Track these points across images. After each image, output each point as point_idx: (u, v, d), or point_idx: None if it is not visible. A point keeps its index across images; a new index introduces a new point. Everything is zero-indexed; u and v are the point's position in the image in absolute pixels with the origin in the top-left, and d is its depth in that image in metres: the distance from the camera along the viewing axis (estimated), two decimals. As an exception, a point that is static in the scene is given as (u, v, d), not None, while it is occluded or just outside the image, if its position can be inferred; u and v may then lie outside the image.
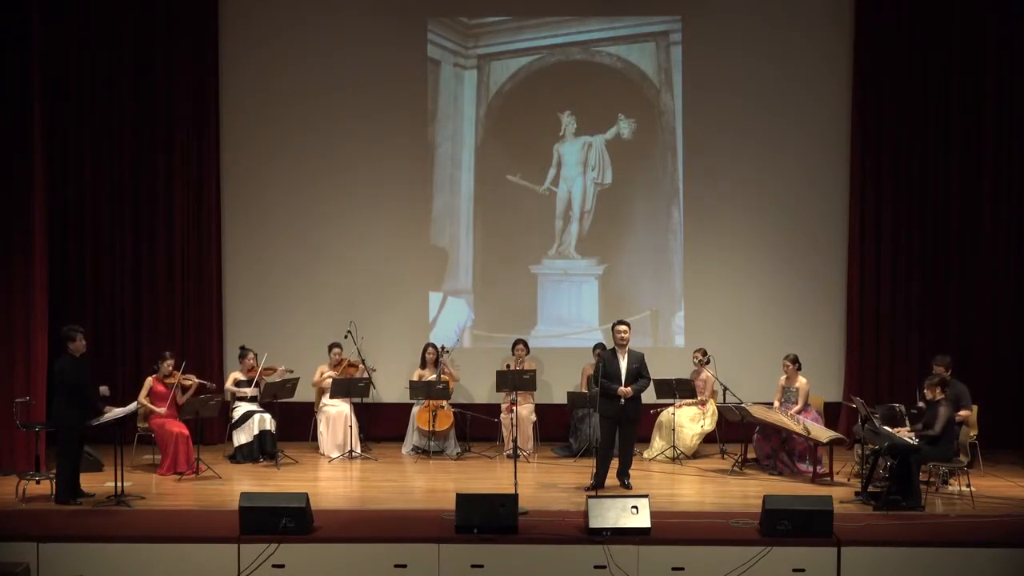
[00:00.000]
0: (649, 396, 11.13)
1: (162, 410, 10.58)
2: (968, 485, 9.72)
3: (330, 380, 11.47)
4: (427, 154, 12.54)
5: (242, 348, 11.56)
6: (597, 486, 9.54)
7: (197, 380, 10.90)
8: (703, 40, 12.37)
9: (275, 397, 11.17)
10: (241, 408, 11.27)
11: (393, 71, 12.44)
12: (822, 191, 12.40)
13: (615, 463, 9.94)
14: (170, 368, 10.76)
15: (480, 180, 12.58)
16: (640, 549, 7.98)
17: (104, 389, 9.62)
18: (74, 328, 9.43)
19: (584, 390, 11.57)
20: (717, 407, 11.38)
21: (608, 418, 9.81)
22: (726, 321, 12.42)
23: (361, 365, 11.74)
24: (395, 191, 12.51)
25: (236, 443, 11.16)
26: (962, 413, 10.07)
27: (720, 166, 12.43)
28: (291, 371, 11.51)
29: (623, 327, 9.97)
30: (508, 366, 11.71)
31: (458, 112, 12.56)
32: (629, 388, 9.75)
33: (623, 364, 9.84)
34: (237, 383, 11.37)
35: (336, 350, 11.78)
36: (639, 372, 9.86)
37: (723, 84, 12.37)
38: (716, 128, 12.40)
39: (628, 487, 9.78)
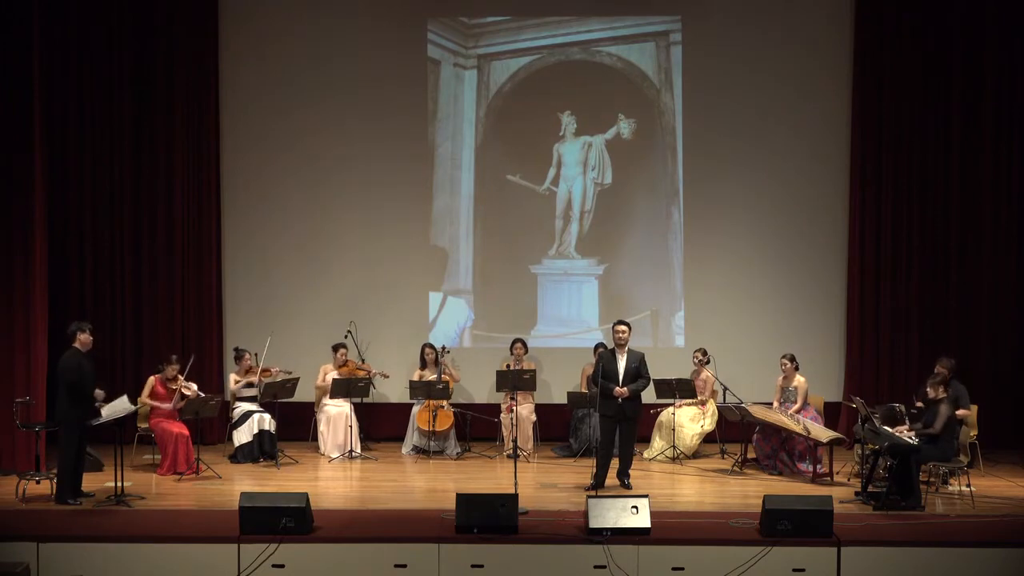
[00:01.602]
0: (649, 396, 11.14)
1: (167, 405, 10.59)
2: (968, 485, 9.72)
3: (331, 379, 11.47)
4: (427, 154, 12.54)
5: (236, 349, 11.54)
6: (597, 486, 9.54)
7: (197, 392, 10.82)
8: (703, 40, 12.37)
9: (275, 397, 11.17)
10: (241, 408, 11.27)
11: (393, 71, 12.43)
12: (822, 191, 12.39)
13: (615, 463, 9.94)
14: (174, 372, 10.73)
15: (480, 180, 12.57)
16: (640, 549, 7.98)
17: (99, 393, 9.60)
18: (84, 324, 9.44)
19: (584, 390, 11.58)
20: (717, 407, 11.38)
21: (607, 417, 9.81)
22: (726, 321, 12.42)
23: (373, 371, 11.73)
24: (395, 191, 12.51)
25: (236, 443, 11.16)
26: (960, 412, 10.08)
27: (720, 166, 12.42)
28: (289, 372, 11.50)
29: (622, 327, 9.97)
30: (508, 366, 11.71)
31: (458, 112, 12.56)
32: (625, 388, 9.74)
33: (621, 364, 9.84)
34: (238, 385, 11.36)
35: (342, 351, 11.77)
36: (638, 372, 9.84)
37: (723, 84, 12.37)
38: (716, 128, 12.40)
39: (628, 487, 9.77)
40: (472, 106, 12.53)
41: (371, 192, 12.48)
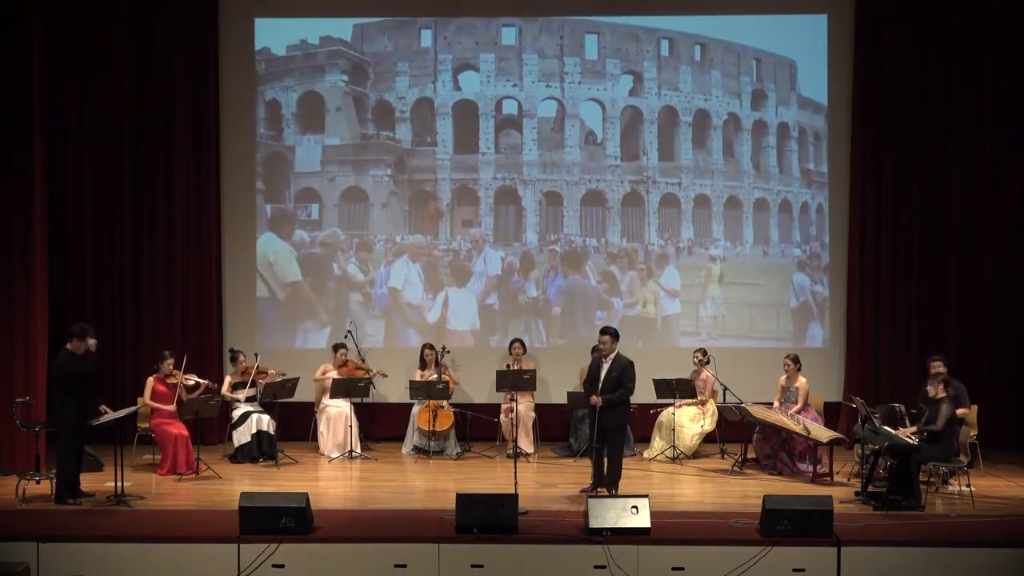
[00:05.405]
0: (649, 396, 11.16)
1: (170, 407, 10.57)
2: (968, 485, 9.72)
3: (331, 379, 11.46)
4: (430, 156, 12.53)
5: (232, 351, 11.53)
6: (595, 486, 9.53)
7: (199, 379, 10.87)
8: (700, 38, 12.36)
9: (275, 397, 11.16)
10: (241, 408, 11.26)
11: (394, 69, 12.43)
12: (822, 191, 12.39)
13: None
14: (170, 367, 10.74)
15: (487, 179, 12.59)
16: (640, 549, 7.98)
17: (103, 408, 9.57)
18: (87, 328, 9.43)
19: (583, 390, 11.55)
20: (717, 407, 11.37)
21: (592, 421, 9.71)
22: (726, 321, 12.41)
23: (373, 371, 11.72)
24: (397, 190, 12.50)
25: (236, 443, 11.15)
26: (960, 411, 10.08)
27: (720, 166, 12.41)
28: (284, 374, 11.47)
29: (604, 337, 9.64)
30: (508, 366, 11.70)
31: (470, 107, 12.52)
32: (598, 398, 9.47)
33: (604, 371, 9.56)
34: (233, 387, 11.35)
35: (342, 351, 11.76)
36: (619, 381, 9.48)
37: (723, 84, 12.36)
38: (717, 128, 12.40)
39: None
40: (478, 111, 12.50)
41: (371, 191, 12.47)
